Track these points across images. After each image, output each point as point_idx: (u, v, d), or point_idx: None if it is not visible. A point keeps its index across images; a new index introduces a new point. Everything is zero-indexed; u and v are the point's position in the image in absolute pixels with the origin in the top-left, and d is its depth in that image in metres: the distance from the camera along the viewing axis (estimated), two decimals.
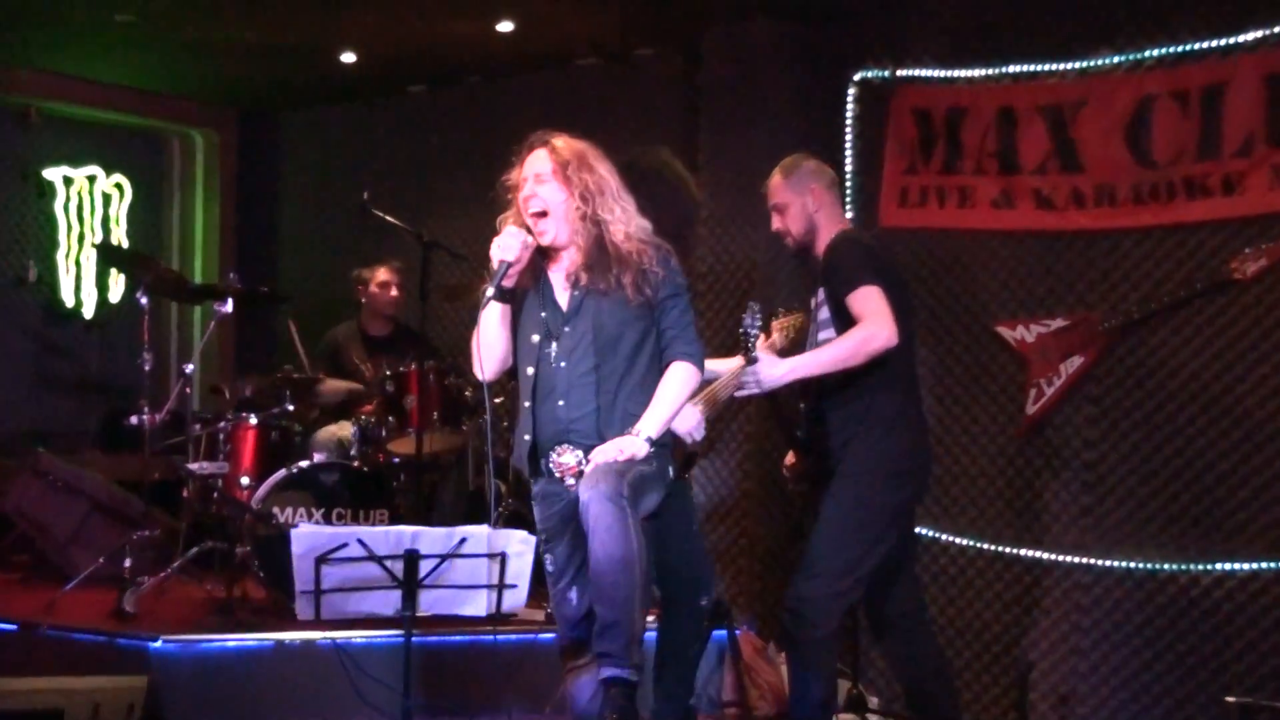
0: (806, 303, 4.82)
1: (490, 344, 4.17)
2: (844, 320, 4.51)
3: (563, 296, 4.16)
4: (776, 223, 4.81)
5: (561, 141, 4.20)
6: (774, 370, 4.46)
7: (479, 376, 4.19)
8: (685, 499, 4.53)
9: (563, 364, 4.12)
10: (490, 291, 4.10)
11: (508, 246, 4.10)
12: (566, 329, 4.13)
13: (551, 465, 4.13)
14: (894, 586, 4.76)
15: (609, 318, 4.09)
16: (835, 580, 4.53)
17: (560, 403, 4.11)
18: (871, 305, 4.43)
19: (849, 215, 6.35)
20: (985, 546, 6.06)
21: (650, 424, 4.04)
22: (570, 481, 4.08)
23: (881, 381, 4.55)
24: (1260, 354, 5.52)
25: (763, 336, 4.95)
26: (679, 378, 4.13)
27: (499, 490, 6.16)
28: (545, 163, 4.16)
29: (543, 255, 4.20)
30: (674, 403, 4.11)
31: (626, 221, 4.14)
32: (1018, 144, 6.02)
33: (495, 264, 4.10)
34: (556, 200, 4.13)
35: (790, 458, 4.95)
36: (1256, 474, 5.51)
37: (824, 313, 4.67)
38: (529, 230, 4.15)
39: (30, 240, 8.53)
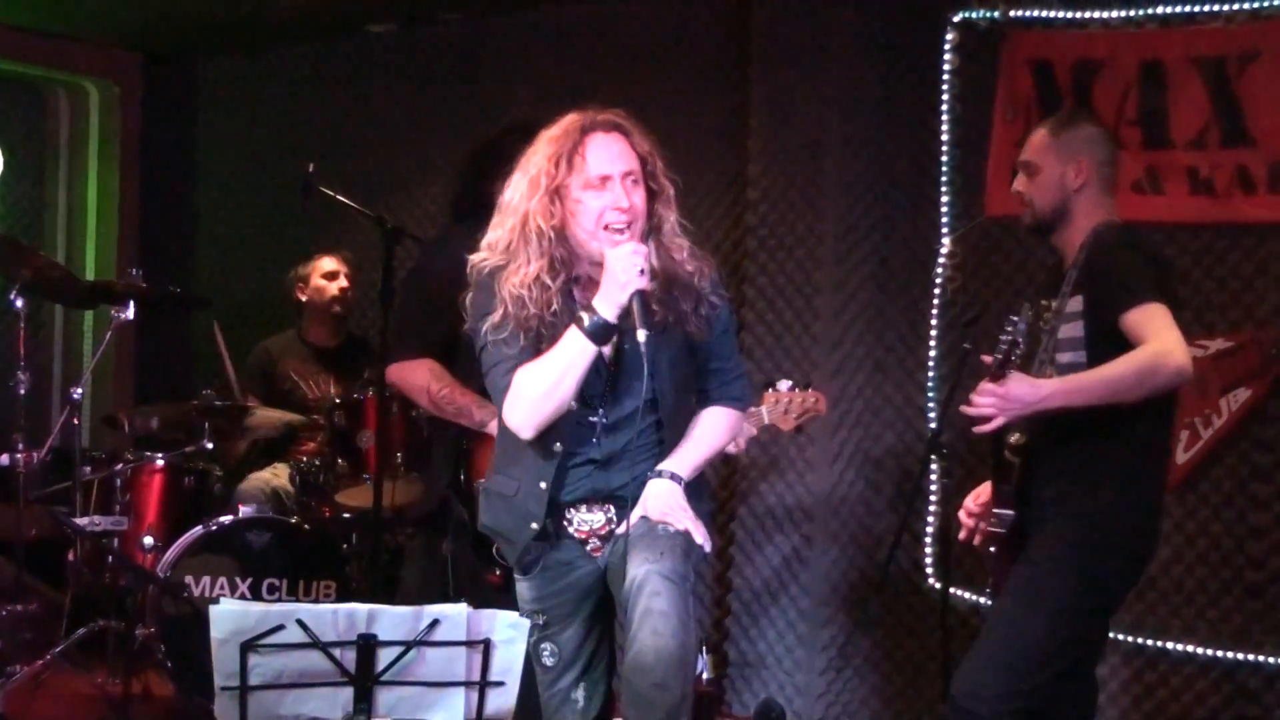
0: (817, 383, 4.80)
1: (564, 399, 4.08)
2: (1106, 344, 4.45)
3: (606, 308, 4.03)
4: (1020, 184, 4.80)
5: (628, 122, 4.17)
6: (1029, 392, 4.36)
7: (515, 423, 4.13)
8: None
9: (604, 420, 4.17)
10: (642, 336, 3.97)
11: (645, 268, 4.01)
12: (609, 385, 4.16)
13: (574, 525, 4.22)
14: (1075, 690, 4.70)
15: (667, 365, 4.12)
16: (1023, 675, 4.47)
17: (601, 470, 4.20)
18: (1159, 325, 4.37)
19: (944, 200, 6.40)
20: (1119, 637, 6.04)
21: (685, 469, 4.22)
22: (595, 544, 4.20)
23: (1122, 420, 4.48)
24: None
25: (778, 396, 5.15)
26: (727, 426, 4.34)
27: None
28: (631, 157, 4.13)
29: (570, 278, 4.15)
30: (712, 453, 4.32)
31: (680, 229, 4.19)
32: (1168, 109, 6.02)
33: (624, 285, 3.98)
34: (641, 208, 4.12)
35: (980, 497, 4.88)
36: None
37: (1069, 329, 4.62)
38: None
39: None
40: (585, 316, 4.00)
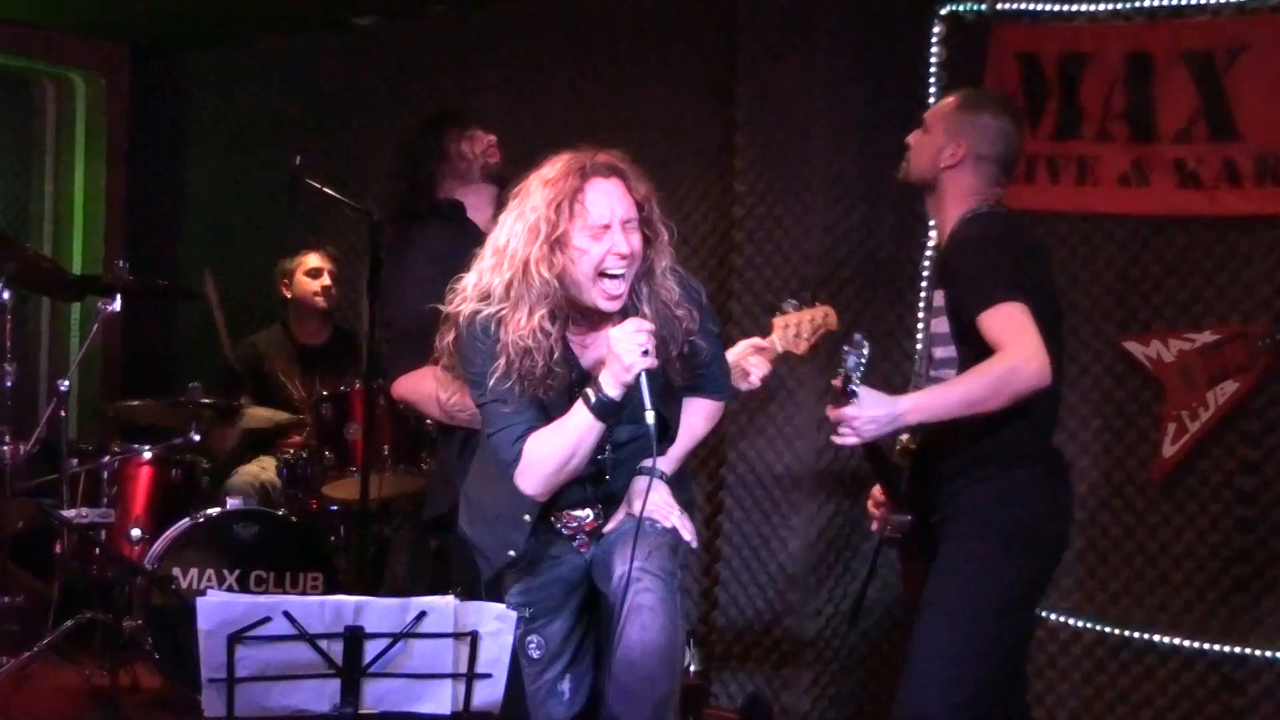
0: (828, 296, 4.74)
1: (576, 470, 4.10)
2: (973, 340, 4.39)
3: (611, 387, 4.00)
4: (911, 136, 4.75)
5: (625, 165, 4.11)
6: (880, 411, 4.27)
7: (528, 491, 4.12)
8: None
9: (609, 452, 4.21)
10: (650, 418, 3.96)
11: (649, 347, 3.98)
12: (617, 428, 4.15)
13: (561, 522, 4.26)
14: (1005, 687, 4.66)
15: (663, 404, 4.11)
16: (957, 687, 4.40)
17: (595, 483, 4.25)
18: (1014, 328, 4.27)
19: None
20: (1105, 630, 6.06)
21: (670, 464, 4.30)
22: (582, 540, 4.27)
23: (1009, 411, 4.39)
24: None
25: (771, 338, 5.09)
26: (708, 415, 4.46)
27: None
28: (629, 203, 4.07)
29: (562, 321, 4.11)
30: (693, 444, 4.44)
31: (672, 271, 4.17)
32: (1155, 102, 6.02)
33: (629, 367, 3.94)
34: (639, 253, 4.08)
35: (878, 494, 4.83)
36: None
37: (938, 323, 4.58)
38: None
39: None
40: (591, 394, 3.98)
